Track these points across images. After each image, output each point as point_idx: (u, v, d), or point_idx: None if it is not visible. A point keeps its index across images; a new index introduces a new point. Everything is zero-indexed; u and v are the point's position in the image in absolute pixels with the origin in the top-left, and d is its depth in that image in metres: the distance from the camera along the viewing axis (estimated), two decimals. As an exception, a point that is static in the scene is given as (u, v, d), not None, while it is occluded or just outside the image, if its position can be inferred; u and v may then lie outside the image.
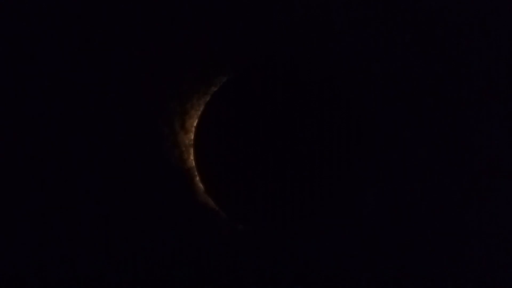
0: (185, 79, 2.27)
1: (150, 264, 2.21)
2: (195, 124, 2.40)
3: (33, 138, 2.14)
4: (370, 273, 2.19)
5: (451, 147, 2.10)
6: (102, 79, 2.14)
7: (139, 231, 2.21)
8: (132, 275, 2.21)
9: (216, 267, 2.24)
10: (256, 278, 2.24)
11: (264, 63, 2.32)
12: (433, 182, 2.15)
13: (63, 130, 2.15)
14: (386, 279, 2.18)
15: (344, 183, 2.30)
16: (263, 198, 2.35)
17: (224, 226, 2.37)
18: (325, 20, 2.04)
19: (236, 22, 2.12)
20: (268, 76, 2.33)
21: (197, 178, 2.41)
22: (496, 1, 1.94)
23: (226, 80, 2.36)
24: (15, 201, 2.14)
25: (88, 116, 2.15)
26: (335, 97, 2.27)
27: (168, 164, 2.32)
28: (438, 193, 2.14)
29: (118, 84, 2.15)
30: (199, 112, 2.40)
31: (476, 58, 1.99)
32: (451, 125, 2.09)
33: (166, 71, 2.20)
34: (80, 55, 2.09)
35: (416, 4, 1.96)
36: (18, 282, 2.15)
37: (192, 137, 2.40)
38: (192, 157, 2.41)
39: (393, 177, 2.20)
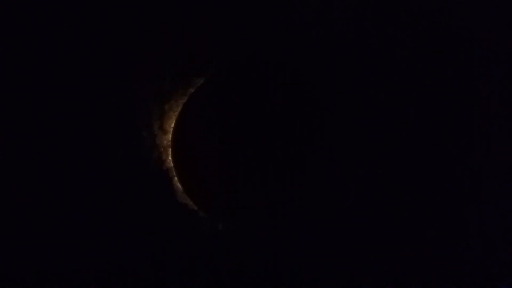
0: (163, 80, 2.29)
1: (129, 264, 2.21)
2: (173, 124, 2.41)
3: (10, 139, 2.15)
4: (357, 274, 2.20)
5: (450, 147, 2.13)
6: (79, 81, 2.15)
7: (118, 232, 2.22)
8: (110, 275, 2.20)
9: (196, 267, 2.24)
10: (236, 277, 2.25)
11: (242, 64, 2.35)
12: (431, 182, 2.17)
13: (38, 132, 2.16)
14: (377, 279, 2.19)
15: (326, 182, 2.32)
16: (242, 198, 2.34)
17: (204, 225, 2.36)
18: (304, 20, 2.06)
19: (214, 23, 2.15)
20: (246, 76, 2.35)
21: (176, 178, 2.42)
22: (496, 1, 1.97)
23: (203, 81, 2.38)
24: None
25: (64, 117, 2.17)
26: (314, 97, 2.29)
27: (146, 165, 2.33)
28: (437, 192, 2.17)
29: (96, 85, 2.17)
30: (177, 113, 2.41)
31: (476, 57, 2.02)
32: (451, 124, 2.12)
33: (145, 72, 2.22)
34: (55, 57, 2.12)
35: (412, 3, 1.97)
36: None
37: (170, 137, 2.41)
38: (170, 158, 2.42)
39: (391, 178, 2.22)
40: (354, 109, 2.20)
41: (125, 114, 2.24)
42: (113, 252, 2.22)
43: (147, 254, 2.24)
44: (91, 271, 2.20)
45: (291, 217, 2.33)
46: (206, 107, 2.39)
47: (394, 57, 2.05)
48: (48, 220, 2.18)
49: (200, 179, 2.40)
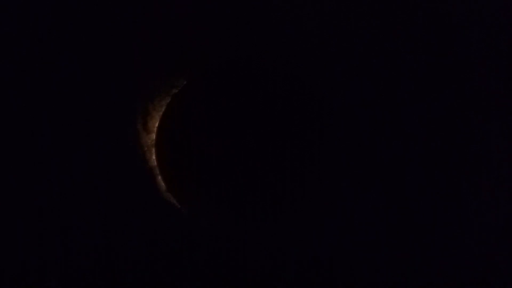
0: (147, 80, 2.33)
1: (112, 261, 2.24)
2: (156, 124, 2.45)
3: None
4: (344, 274, 2.20)
5: (450, 146, 2.13)
6: (64, 79, 2.17)
7: (102, 230, 2.24)
8: (93, 272, 2.22)
9: (179, 264, 2.27)
10: (218, 273, 2.28)
11: (225, 65, 2.39)
12: (431, 181, 2.17)
13: (21, 130, 2.17)
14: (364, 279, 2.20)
15: (307, 181, 2.35)
16: (224, 195, 2.39)
17: (187, 223, 2.39)
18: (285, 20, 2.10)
19: (197, 25, 2.18)
20: (228, 77, 2.39)
21: (159, 177, 2.45)
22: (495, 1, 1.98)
23: (186, 81, 2.42)
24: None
25: (49, 116, 2.18)
26: (297, 97, 2.33)
27: (131, 164, 2.35)
28: (436, 192, 2.17)
29: (81, 85, 2.18)
30: (161, 113, 2.45)
31: (475, 56, 2.03)
32: (450, 124, 2.12)
33: (129, 72, 2.24)
34: (43, 56, 2.13)
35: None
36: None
37: (154, 137, 2.45)
38: (154, 157, 2.45)
39: (390, 177, 2.22)
40: (339, 108, 2.24)
41: (109, 114, 2.26)
42: (96, 249, 2.24)
43: (131, 251, 2.25)
44: (73, 266, 2.22)
45: (273, 214, 2.37)
46: (189, 107, 2.44)
47: (393, 57, 2.08)
48: (29, 218, 2.18)
49: (183, 178, 2.45)
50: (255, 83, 2.36)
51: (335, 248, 2.15)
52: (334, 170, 2.25)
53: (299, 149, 2.30)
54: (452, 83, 1.98)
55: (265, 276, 2.25)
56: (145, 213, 2.30)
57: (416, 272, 2.12)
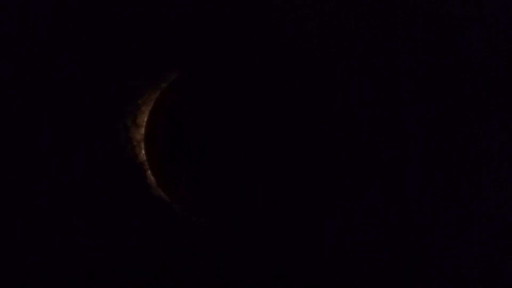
0: (136, 75, 2.29)
1: (103, 256, 2.24)
2: (146, 119, 2.42)
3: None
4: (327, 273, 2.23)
5: (450, 146, 2.14)
6: (55, 75, 2.14)
7: (92, 224, 2.23)
8: (85, 268, 2.22)
9: (170, 258, 2.28)
10: (209, 268, 2.29)
11: (214, 60, 2.37)
12: (430, 181, 2.19)
13: (13, 127, 2.15)
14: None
15: (307, 181, 2.35)
16: (214, 190, 2.39)
17: (177, 218, 2.39)
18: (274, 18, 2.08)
19: (186, 21, 2.15)
20: (217, 73, 2.38)
21: (149, 172, 2.43)
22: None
23: (175, 76, 2.40)
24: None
25: (41, 111, 2.16)
26: (284, 94, 2.32)
27: (120, 159, 2.34)
28: (436, 192, 2.18)
29: (71, 80, 2.16)
30: (150, 108, 2.42)
31: (475, 56, 2.03)
32: (450, 124, 2.13)
33: (118, 68, 2.22)
34: (33, 52, 2.09)
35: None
36: None
37: (143, 132, 2.42)
38: (143, 152, 2.43)
39: (390, 177, 2.22)
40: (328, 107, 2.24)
41: (98, 109, 2.24)
42: (87, 245, 2.23)
43: (122, 246, 2.26)
44: (63, 263, 2.21)
45: (263, 209, 2.38)
46: (179, 102, 2.42)
47: (393, 57, 2.06)
48: (18, 214, 2.17)
49: (173, 172, 2.43)
50: (244, 78, 2.35)
51: (335, 248, 2.16)
52: (334, 170, 2.25)
53: (299, 149, 2.30)
54: (452, 83, 1.99)
55: (265, 276, 2.27)
56: (134, 208, 2.30)
57: (416, 272, 2.15)
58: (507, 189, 2.07)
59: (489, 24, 1.90)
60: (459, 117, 2.05)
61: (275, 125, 2.31)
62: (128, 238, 2.26)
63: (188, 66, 2.33)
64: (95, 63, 2.17)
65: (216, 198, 2.40)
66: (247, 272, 2.28)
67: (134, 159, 2.40)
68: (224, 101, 2.35)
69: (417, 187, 2.16)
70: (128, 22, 2.13)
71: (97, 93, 2.21)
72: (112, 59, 2.19)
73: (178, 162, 2.42)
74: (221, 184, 2.38)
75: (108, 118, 2.28)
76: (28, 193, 2.18)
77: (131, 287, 2.25)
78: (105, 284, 2.24)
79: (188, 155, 2.40)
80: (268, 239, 2.31)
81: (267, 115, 2.31)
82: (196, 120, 2.39)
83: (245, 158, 2.35)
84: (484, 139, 2.07)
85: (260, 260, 2.28)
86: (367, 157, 2.18)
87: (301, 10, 1.98)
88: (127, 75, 2.27)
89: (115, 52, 2.18)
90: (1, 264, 2.18)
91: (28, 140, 2.16)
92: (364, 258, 2.17)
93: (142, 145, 2.44)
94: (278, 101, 2.29)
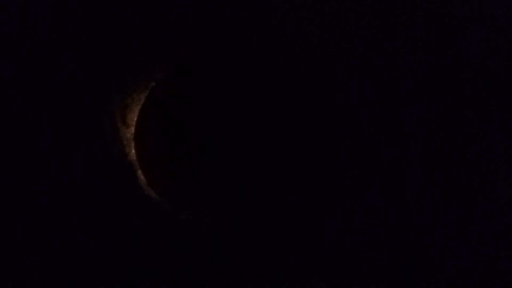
0: (126, 74, 2.28)
1: (93, 255, 2.21)
2: (135, 118, 2.40)
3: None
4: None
5: (450, 146, 2.15)
6: (44, 74, 2.11)
7: (83, 224, 2.20)
8: (76, 267, 2.19)
9: (160, 256, 2.26)
10: (199, 266, 2.28)
11: (202, 59, 2.37)
12: (430, 181, 2.19)
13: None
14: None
15: (307, 181, 2.35)
16: (204, 189, 2.39)
17: (167, 216, 2.39)
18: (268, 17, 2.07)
19: (186, 21, 2.14)
20: (206, 71, 2.38)
21: (139, 171, 2.41)
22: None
23: (164, 75, 2.39)
24: None
25: (30, 111, 2.12)
26: (298, 96, 2.32)
27: (110, 158, 2.32)
28: (436, 192, 2.19)
29: (61, 80, 2.13)
30: (140, 106, 2.40)
31: (475, 56, 2.03)
32: (450, 124, 2.13)
33: (108, 66, 2.19)
34: (24, 52, 2.05)
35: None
36: None
37: (133, 131, 2.40)
38: (133, 151, 2.41)
39: (390, 177, 2.22)
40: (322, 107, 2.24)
41: (87, 108, 2.20)
42: (78, 244, 2.20)
43: (112, 245, 2.23)
44: (54, 261, 2.17)
45: (252, 208, 2.39)
46: (168, 101, 2.41)
47: (393, 57, 2.06)
48: (8, 214, 2.13)
49: (163, 171, 2.42)
50: (234, 77, 2.36)
51: (335, 248, 2.17)
52: (334, 170, 2.25)
53: (299, 149, 2.31)
54: (452, 83, 2.01)
55: (244, 266, 2.27)
56: (125, 207, 2.27)
57: (416, 272, 2.16)
58: (507, 189, 2.09)
59: (489, 24, 1.91)
60: (459, 117, 2.06)
61: (274, 125, 2.31)
62: (119, 237, 2.24)
63: (184, 65, 2.31)
64: (83, 61, 2.14)
65: (209, 197, 2.40)
66: (247, 272, 2.28)
67: (124, 158, 2.38)
68: (220, 101, 2.35)
69: (417, 187, 2.17)
70: (128, 22, 2.11)
71: (86, 92, 2.18)
72: (100, 57, 2.16)
73: (168, 161, 2.41)
74: (215, 184, 2.39)
75: (97, 117, 2.26)
76: (17, 194, 2.14)
77: (121, 285, 2.23)
78: (96, 283, 2.22)
79: (179, 154, 2.40)
80: (268, 239, 2.30)
81: (266, 115, 2.32)
82: (187, 119, 2.38)
83: (241, 158, 2.37)
84: (484, 139, 2.07)
85: (260, 260, 2.28)
86: (367, 157, 2.18)
87: (301, 10, 1.97)
88: (116, 74, 2.25)
89: (103, 50, 2.16)
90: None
91: (15, 140, 2.13)
92: (364, 258, 2.17)
93: (132, 144, 2.41)
94: (278, 101, 2.29)
